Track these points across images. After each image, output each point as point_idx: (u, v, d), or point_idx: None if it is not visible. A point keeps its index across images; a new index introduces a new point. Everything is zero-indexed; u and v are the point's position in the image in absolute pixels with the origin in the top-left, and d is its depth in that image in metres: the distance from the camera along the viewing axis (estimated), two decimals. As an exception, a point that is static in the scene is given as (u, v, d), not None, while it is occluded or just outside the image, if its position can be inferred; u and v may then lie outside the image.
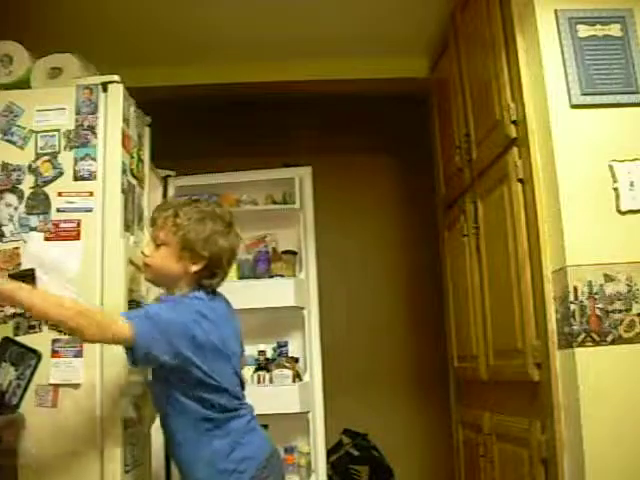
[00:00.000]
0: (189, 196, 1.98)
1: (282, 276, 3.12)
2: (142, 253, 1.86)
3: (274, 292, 3.03)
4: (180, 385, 1.74)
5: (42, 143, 2.09)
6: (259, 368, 2.98)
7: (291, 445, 3.00)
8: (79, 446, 1.91)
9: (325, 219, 3.37)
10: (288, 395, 2.91)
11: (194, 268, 1.78)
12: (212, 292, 1.86)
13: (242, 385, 1.90)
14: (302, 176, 3.23)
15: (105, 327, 1.64)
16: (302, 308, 3.10)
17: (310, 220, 3.19)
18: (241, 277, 3.17)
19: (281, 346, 3.08)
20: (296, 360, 3.10)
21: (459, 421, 3.00)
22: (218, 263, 1.80)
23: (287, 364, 3.02)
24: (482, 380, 2.57)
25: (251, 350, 2.94)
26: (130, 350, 1.66)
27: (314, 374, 3.06)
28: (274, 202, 3.28)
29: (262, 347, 3.04)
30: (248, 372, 2.94)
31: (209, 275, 1.81)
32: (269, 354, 3.10)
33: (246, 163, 3.25)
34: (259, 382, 2.96)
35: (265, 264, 3.16)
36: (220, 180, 3.25)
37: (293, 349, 3.13)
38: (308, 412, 3.00)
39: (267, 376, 2.98)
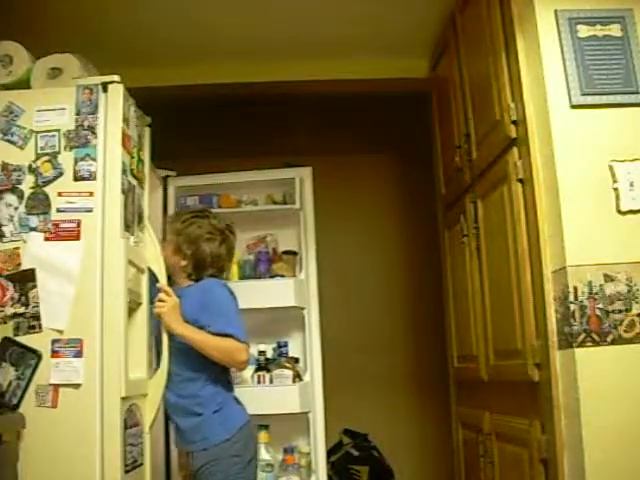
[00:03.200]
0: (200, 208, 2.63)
1: (282, 276, 3.12)
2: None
3: (275, 292, 3.03)
4: None
5: (42, 143, 2.09)
6: (259, 368, 2.98)
7: (291, 445, 2.99)
8: (79, 446, 1.91)
9: (325, 219, 3.37)
10: (288, 395, 2.90)
11: (182, 263, 2.31)
12: None
13: None
14: (302, 176, 3.23)
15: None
16: (302, 308, 3.10)
17: (310, 220, 3.19)
18: (242, 277, 3.17)
19: (281, 346, 3.07)
20: (296, 360, 3.10)
21: (459, 421, 3.00)
22: (202, 264, 2.30)
23: (287, 364, 3.02)
24: (482, 380, 2.57)
25: (252, 350, 2.94)
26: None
27: (314, 374, 3.06)
28: (274, 202, 3.28)
29: (262, 347, 3.03)
30: (248, 372, 2.95)
31: (195, 272, 2.32)
32: (269, 354, 3.10)
33: (246, 163, 3.25)
34: (259, 382, 2.96)
35: (266, 264, 3.16)
36: (220, 180, 3.25)
37: (293, 349, 3.13)
38: (308, 412, 3.00)
39: (267, 376, 2.98)
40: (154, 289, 2.28)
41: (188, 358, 2.20)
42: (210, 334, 2.17)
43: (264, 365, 3.01)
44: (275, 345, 3.12)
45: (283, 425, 2.96)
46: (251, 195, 3.29)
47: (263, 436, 2.82)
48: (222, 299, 2.25)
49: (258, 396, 2.81)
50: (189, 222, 2.32)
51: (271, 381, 2.97)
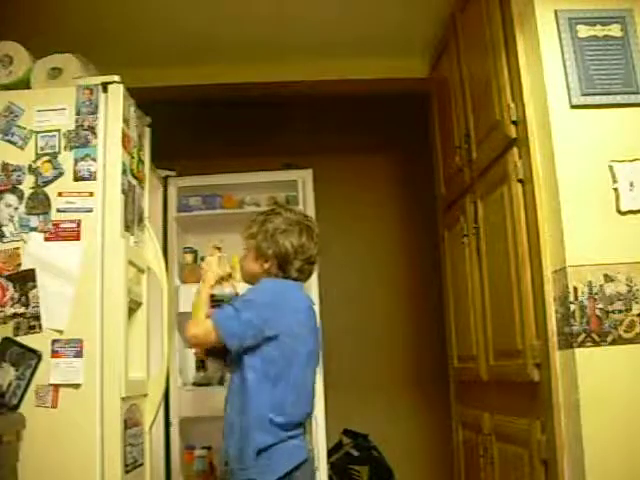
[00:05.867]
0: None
1: (283, 276, 3.11)
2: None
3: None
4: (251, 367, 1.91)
5: (42, 143, 2.10)
6: None
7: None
8: (79, 446, 1.92)
9: (325, 219, 3.36)
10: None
11: (266, 266, 2.05)
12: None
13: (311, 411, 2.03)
14: (303, 178, 3.22)
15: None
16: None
17: (312, 222, 3.19)
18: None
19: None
20: (297, 360, 3.09)
21: (459, 421, 2.99)
22: (286, 259, 2.06)
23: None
24: (482, 380, 2.56)
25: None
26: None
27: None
28: (276, 203, 3.27)
29: None
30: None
31: (281, 270, 2.07)
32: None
33: (246, 163, 3.26)
34: None
35: (267, 265, 3.16)
36: (222, 181, 3.24)
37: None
38: (309, 412, 2.99)
39: None
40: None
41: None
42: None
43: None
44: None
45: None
46: (253, 196, 3.28)
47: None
48: (255, 289, 2.03)
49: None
50: (262, 221, 2.12)
51: None
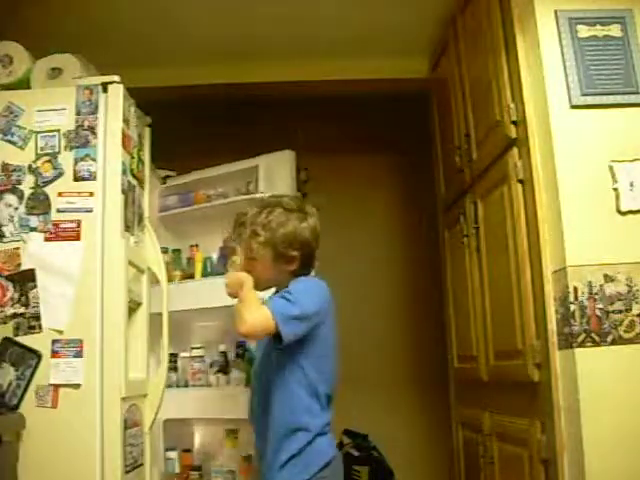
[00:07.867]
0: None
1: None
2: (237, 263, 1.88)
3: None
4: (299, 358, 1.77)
5: (42, 143, 2.10)
6: (219, 370, 2.84)
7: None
8: (79, 446, 1.92)
9: (324, 219, 3.36)
10: (244, 398, 2.41)
11: (290, 268, 1.87)
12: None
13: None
14: (271, 163, 2.95)
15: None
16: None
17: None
18: (205, 275, 2.96)
19: (239, 347, 2.87)
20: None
21: (459, 421, 3.00)
22: (310, 251, 1.92)
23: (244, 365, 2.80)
24: (482, 380, 2.56)
25: (212, 351, 2.89)
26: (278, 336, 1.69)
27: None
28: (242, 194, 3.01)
29: (223, 348, 2.88)
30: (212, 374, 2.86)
31: (308, 265, 1.93)
32: (232, 355, 2.90)
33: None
34: (218, 384, 2.82)
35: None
36: (195, 177, 3.13)
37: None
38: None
39: (224, 378, 2.81)
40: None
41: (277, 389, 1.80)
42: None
43: (224, 366, 2.84)
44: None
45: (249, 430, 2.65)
46: (226, 189, 3.07)
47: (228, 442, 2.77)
48: (303, 283, 1.86)
49: (217, 399, 2.71)
50: (270, 225, 1.87)
51: (228, 383, 2.80)
